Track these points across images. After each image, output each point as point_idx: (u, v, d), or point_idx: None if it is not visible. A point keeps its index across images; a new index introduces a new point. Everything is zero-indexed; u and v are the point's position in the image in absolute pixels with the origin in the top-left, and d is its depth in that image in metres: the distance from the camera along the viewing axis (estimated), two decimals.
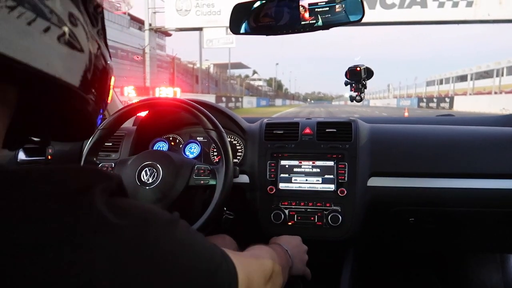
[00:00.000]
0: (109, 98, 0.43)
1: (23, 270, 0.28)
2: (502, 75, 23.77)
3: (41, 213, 0.30)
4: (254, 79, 71.91)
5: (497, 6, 13.93)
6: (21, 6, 0.29)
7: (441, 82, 36.38)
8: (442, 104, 27.08)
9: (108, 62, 0.41)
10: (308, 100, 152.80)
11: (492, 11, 14.01)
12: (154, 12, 16.32)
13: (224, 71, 37.31)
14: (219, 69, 36.57)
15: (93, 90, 0.38)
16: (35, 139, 0.44)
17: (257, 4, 0.94)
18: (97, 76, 0.38)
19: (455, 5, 14.34)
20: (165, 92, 12.07)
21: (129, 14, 23.19)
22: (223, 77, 32.98)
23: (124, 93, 10.85)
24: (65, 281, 0.29)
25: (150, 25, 16.35)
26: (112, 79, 0.43)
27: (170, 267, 0.35)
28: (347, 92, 1.30)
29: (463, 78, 31.13)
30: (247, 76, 77.95)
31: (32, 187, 0.31)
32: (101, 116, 0.42)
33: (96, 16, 0.39)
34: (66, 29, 0.33)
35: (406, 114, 12.97)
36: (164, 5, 15.75)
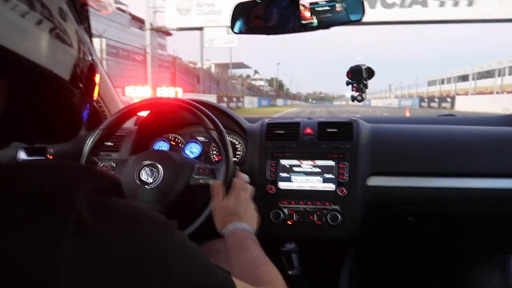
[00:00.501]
0: (95, 95, 0.43)
1: None
2: (504, 75, 23.71)
3: (17, 214, 0.29)
4: (255, 79, 71.91)
5: (498, 5, 13.91)
6: None
7: (442, 82, 36.30)
8: (443, 104, 27.01)
9: (94, 58, 0.42)
10: (310, 100, 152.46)
11: (493, 10, 14.00)
12: (155, 12, 16.36)
13: (226, 71, 37.29)
14: (220, 69, 36.55)
15: (81, 85, 0.38)
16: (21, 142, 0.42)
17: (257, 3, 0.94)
18: (84, 71, 0.39)
19: (456, 4, 14.34)
20: (167, 92, 12.07)
21: (129, 14, 23.19)
22: (224, 77, 32.98)
23: (125, 93, 10.83)
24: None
25: (151, 24, 16.39)
26: (97, 76, 0.43)
27: (159, 270, 0.33)
28: (348, 92, 1.30)
29: (464, 78, 31.08)
30: (248, 76, 77.89)
31: (12, 185, 0.31)
32: (87, 111, 0.42)
33: (83, 14, 0.40)
34: (57, 23, 0.33)
35: (408, 114, 12.94)
36: (164, 4, 15.77)
